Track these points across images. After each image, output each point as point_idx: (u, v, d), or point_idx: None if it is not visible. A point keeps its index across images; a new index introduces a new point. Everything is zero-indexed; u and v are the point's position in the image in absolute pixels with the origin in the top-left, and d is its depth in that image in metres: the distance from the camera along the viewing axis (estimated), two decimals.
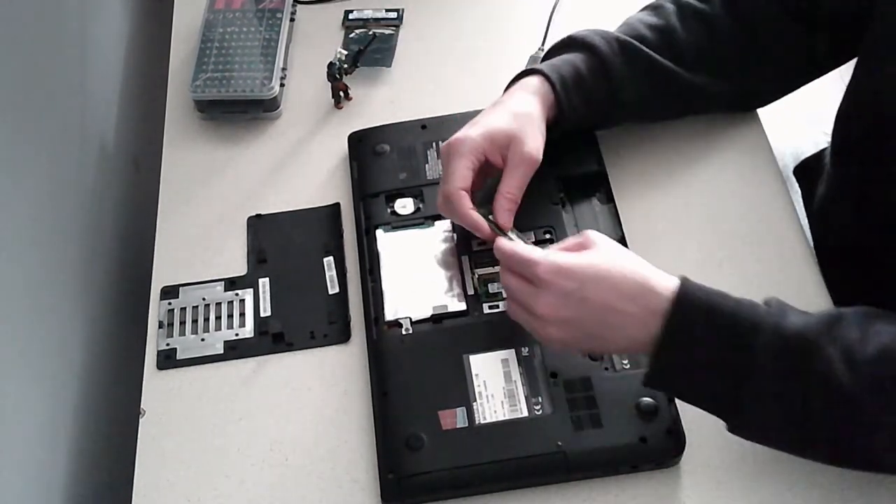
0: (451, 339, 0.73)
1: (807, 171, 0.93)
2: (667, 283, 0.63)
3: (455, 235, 0.78)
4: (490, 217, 0.73)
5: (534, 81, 0.77)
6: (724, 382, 0.61)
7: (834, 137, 0.79)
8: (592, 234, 0.66)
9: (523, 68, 0.91)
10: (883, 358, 0.59)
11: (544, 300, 0.64)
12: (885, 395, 0.58)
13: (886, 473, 0.66)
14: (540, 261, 0.64)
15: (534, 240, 0.77)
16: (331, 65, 0.88)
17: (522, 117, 0.75)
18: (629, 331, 0.63)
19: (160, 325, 0.78)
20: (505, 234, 0.72)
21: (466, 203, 0.73)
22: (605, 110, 0.79)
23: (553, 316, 0.64)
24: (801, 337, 0.59)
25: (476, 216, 0.73)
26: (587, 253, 0.65)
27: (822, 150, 0.92)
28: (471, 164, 0.73)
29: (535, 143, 0.74)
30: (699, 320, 0.61)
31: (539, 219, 0.78)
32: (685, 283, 0.62)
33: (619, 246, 0.66)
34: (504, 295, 0.75)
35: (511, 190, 0.74)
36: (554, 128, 0.78)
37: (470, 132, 0.74)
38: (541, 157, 0.74)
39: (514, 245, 0.68)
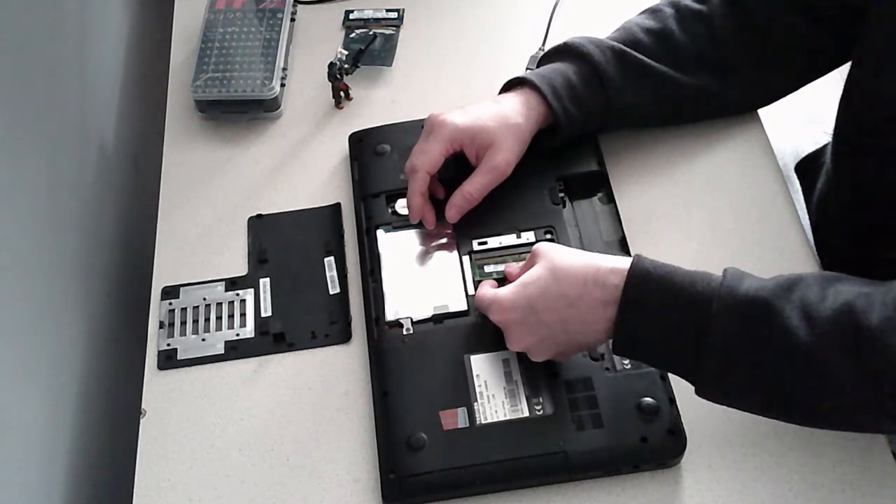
0: (451, 339, 0.73)
1: (807, 167, 0.93)
2: (619, 263, 0.64)
3: (456, 235, 0.78)
4: (482, 274, 0.76)
5: (526, 92, 0.78)
6: (685, 348, 0.61)
7: (836, 130, 0.79)
8: (537, 247, 0.68)
9: (524, 68, 0.91)
10: (843, 314, 0.58)
11: (511, 339, 0.68)
12: (845, 351, 0.57)
13: (853, 431, 0.66)
14: (489, 307, 0.69)
15: (534, 239, 0.77)
16: (331, 65, 0.88)
17: (511, 127, 0.76)
18: (590, 325, 0.64)
19: (161, 326, 0.78)
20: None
21: (423, 186, 0.76)
22: (603, 117, 0.80)
23: (523, 347, 0.68)
24: (758, 299, 0.59)
25: (418, 203, 0.76)
26: (528, 272, 0.67)
27: (823, 147, 0.92)
28: (445, 150, 0.76)
29: (511, 155, 0.76)
30: (654, 289, 0.62)
31: (540, 219, 0.78)
32: (638, 258, 0.63)
33: (563, 248, 0.68)
34: None
35: (472, 192, 0.76)
36: (554, 135, 0.78)
37: (457, 120, 0.76)
38: (510, 171, 0.76)
39: (478, 292, 0.72)
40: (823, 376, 0.58)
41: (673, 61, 0.79)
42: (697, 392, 0.63)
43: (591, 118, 0.79)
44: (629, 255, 0.76)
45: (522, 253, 0.77)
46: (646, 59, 0.78)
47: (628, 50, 0.78)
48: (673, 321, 0.61)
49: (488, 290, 0.71)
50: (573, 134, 0.79)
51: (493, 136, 0.75)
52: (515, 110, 0.77)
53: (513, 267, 0.73)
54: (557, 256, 0.66)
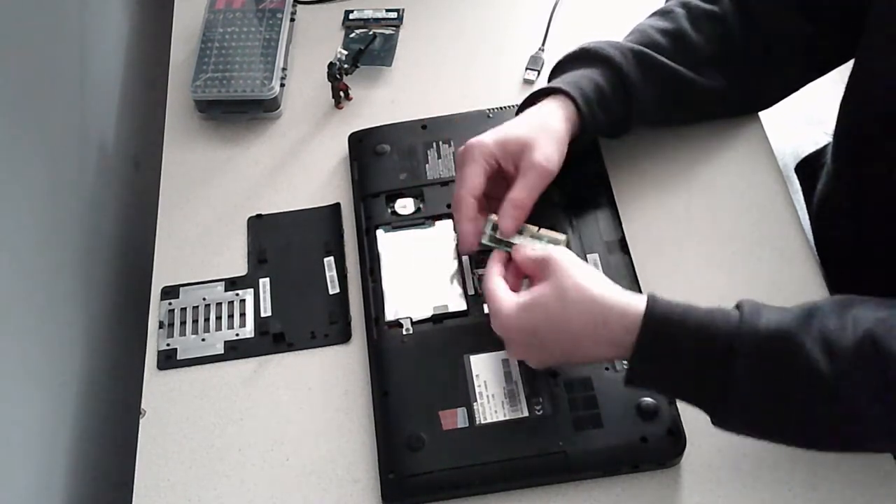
0: (451, 339, 0.73)
1: (808, 168, 0.93)
2: (632, 305, 0.62)
3: (456, 235, 0.78)
4: (494, 235, 0.72)
5: (560, 99, 0.76)
6: (705, 387, 0.61)
7: (836, 131, 0.79)
8: (549, 258, 0.65)
9: (524, 68, 0.91)
10: (864, 343, 0.57)
11: (509, 349, 0.68)
12: (868, 380, 0.57)
13: (873, 453, 0.67)
14: (491, 314, 0.67)
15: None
16: (331, 65, 0.88)
17: (541, 128, 0.73)
18: (602, 352, 0.64)
19: (160, 326, 0.78)
20: (507, 246, 0.71)
21: (469, 211, 0.72)
22: (622, 121, 0.79)
23: (524, 358, 0.68)
24: (779, 333, 0.59)
25: (467, 229, 0.72)
26: (538, 290, 0.64)
27: (824, 147, 0.92)
28: (482, 170, 0.73)
29: (548, 151, 0.72)
30: (670, 333, 0.60)
31: (539, 219, 0.77)
32: (652, 301, 0.62)
33: (576, 269, 0.64)
34: None
35: (519, 196, 0.72)
36: (572, 143, 0.76)
37: (484, 138, 0.74)
38: (554, 167, 0.72)
39: (486, 288, 0.68)
40: (847, 407, 0.58)
41: (690, 62, 0.78)
42: (714, 423, 0.62)
43: (613, 123, 0.78)
44: (628, 255, 0.76)
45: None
46: (665, 59, 0.78)
47: (648, 51, 0.78)
48: (692, 363, 0.61)
49: (496, 288, 0.68)
50: (592, 138, 0.79)
51: (525, 140, 0.72)
52: (551, 115, 0.75)
53: (522, 252, 0.70)
54: (568, 281, 0.64)
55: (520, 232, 0.72)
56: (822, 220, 0.86)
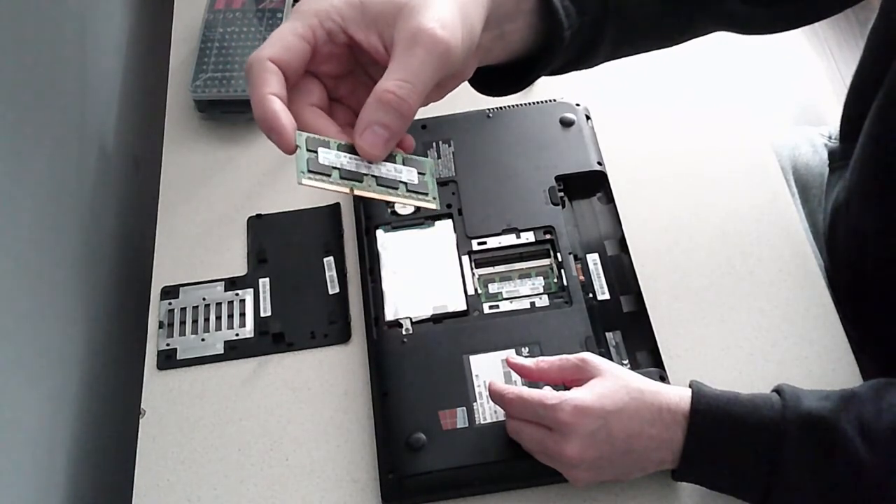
0: (451, 339, 0.73)
1: (835, 157, 0.91)
2: (679, 397, 0.62)
3: (456, 235, 0.78)
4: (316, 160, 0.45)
5: None
6: (754, 476, 0.61)
7: (865, 140, 0.76)
8: (594, 359, 0.65)
9: None
10: None
11: (571, 445, 0.62)
12: None
13: None
14: (559, 404, 0.61)
15: (533, 239, 0.77)
16: None
17: None
18: (653, 453, 0.63)
19: (160, 326, 0.79)
20: (348, 182, 0.46)
21: (266, 82, 0.47)
22: (598, 23, 0.59)
23: (580, 458, 0.62)
24: (821, 419, 0.59)
25: (273, 107, 0.46)
26: (599, 383, 0.63)
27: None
28: (305, 31, 0.48)
29: (442, 13, 0.47)
30: (719, 428, 0.61)
31: (539, 219, 0.78)
32: (697, 392, 0.62)
33: (622, 368, 0.65)
34: (505, 296, 0.75)
35: (391, 87, 0.46)
36: (544, 56, 0.58)
37: None
38: (453, 38, 0.47)
39: (521, 391, 0.64)
40: (883, 492, 0.59)
41: None
42: None
43: (585, 24, 0.58)
44: (628, 255, 0.76)
45: (523, 253, 0.77)
46: None
47: None
48: (740, 458, 0.61)
49: (541, 392, 0.64)
50: (565, 54, 0.59)
51: (398, 2, 0.47)
52: None
53: (545, 367, 0.66)
54: (625, 378, 0.63)
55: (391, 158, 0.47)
56: (835, 221, 0.85)
